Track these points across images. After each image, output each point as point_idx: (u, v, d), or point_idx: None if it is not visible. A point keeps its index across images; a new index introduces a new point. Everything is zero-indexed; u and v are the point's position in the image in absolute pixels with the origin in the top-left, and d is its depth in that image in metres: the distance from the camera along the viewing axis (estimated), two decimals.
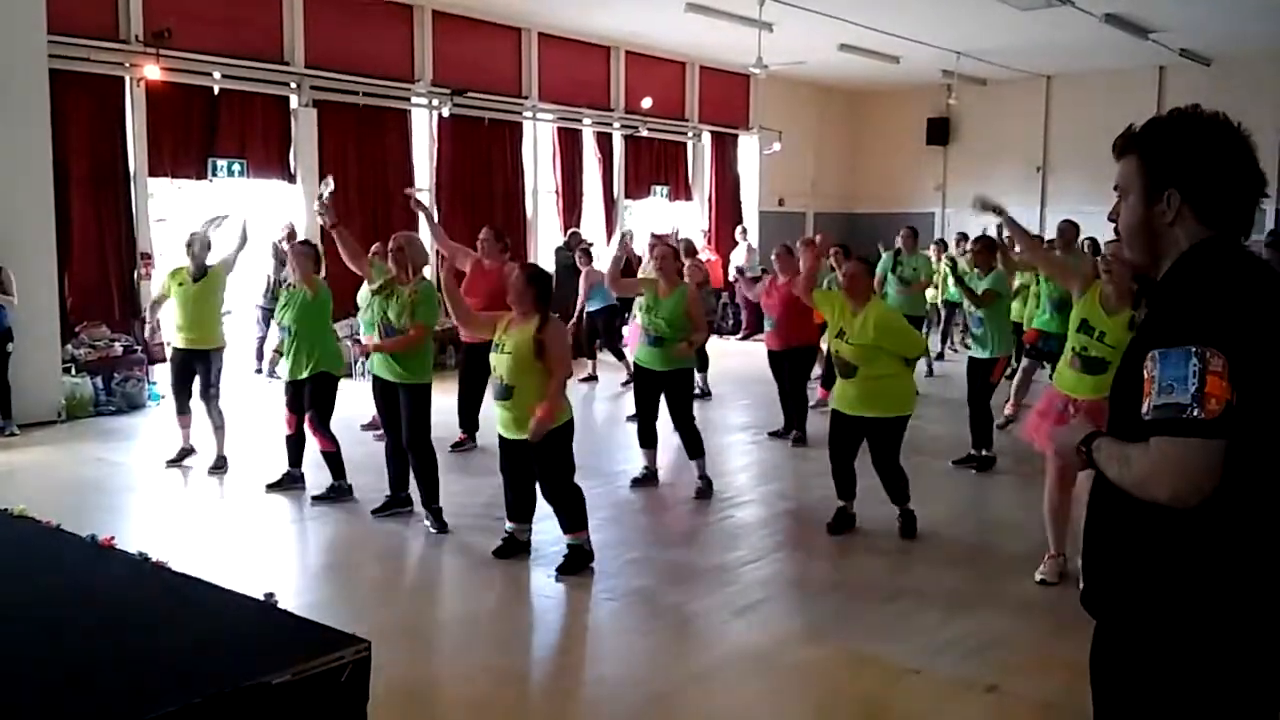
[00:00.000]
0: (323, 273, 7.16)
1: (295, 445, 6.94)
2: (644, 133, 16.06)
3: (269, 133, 11.56)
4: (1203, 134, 1.92)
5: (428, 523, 6.10)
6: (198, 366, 7.42)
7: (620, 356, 10.92)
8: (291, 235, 11.62)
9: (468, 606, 5.20)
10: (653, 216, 16.21)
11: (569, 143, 15.04)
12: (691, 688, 4.17)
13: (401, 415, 6.14)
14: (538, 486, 5.43)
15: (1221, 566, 1.82)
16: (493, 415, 5.53)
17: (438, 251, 8.16)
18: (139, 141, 10.47)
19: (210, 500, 6.95)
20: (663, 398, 7.01)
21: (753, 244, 16.72)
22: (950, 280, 13.13)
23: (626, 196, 16.04)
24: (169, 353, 8.23)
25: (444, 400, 8.15)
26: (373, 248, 8.61)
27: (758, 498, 7.18)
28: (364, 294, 7.97)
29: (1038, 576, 5.26)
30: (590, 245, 12.75)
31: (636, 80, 15.77)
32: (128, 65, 10.30)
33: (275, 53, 11.52)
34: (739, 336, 15.77)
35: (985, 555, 5.79)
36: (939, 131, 19.46)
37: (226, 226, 7.77)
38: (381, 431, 6.69)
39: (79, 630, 2.44)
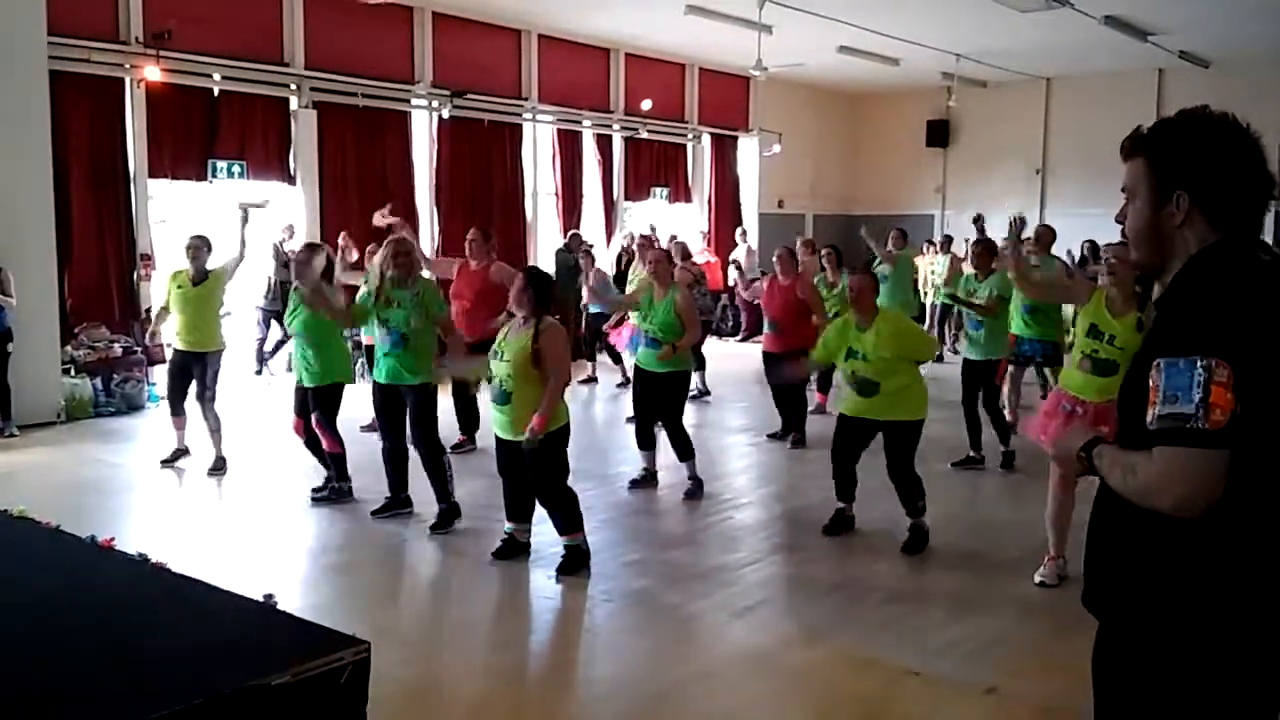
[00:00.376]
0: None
1: (318, 448, 6.82)
2: (644, 134, 16.07)
3: (269, 134, 11.57)
4: (1212, 135, 1.90)
5: (430, 522, 6.10)
6: (195, 369, 7.42)
7: (617, 359, 10.92)
8: (292, 236, 11.66)
9: (467, 607, 5.20)
10: (643, 219, 16.18)
11: (569, 144, 15.05)
12: (691, 689, 4.17)
13: (409, 415, 6.14)
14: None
15: (1224, 569, 1.81)
16: (490, 416, 5.54)
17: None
18: (139, 142, 10.48)
19: (209, 501, 6.95)
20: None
21: (752, 246, 16.73)
22: (938, 291, 13.18)
23: (626, 198, 16.06)
24: (169, 354, 8.22)
25: (444, 401, 8.16)
26: (368, 248, 8.64)
27: (757, 499, 7.18)
28: (363, 295, 7.97)
29: (1037, 579, 5.26)
30: (591, 246, 12.76)
31: (636, 82, 15.78)
32: (128, 66, 10.31)
33: (275, 54, 11.52)
34: (739, 338, 15.77)
35: (985, 557, 5.78)
36: (939, 133, 19.46)
37: (259, 214, 7.75)
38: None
39: (78, 631, 2.44)
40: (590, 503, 6.66)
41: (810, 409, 9.22)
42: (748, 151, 18.05)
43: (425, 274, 6.82)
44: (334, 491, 6.72)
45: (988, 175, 18.91)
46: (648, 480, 7.16)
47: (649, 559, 5.77)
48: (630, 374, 9.15)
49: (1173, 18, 13.47)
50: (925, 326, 13.69)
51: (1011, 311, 7.83)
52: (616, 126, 15.74)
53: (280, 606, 2.66)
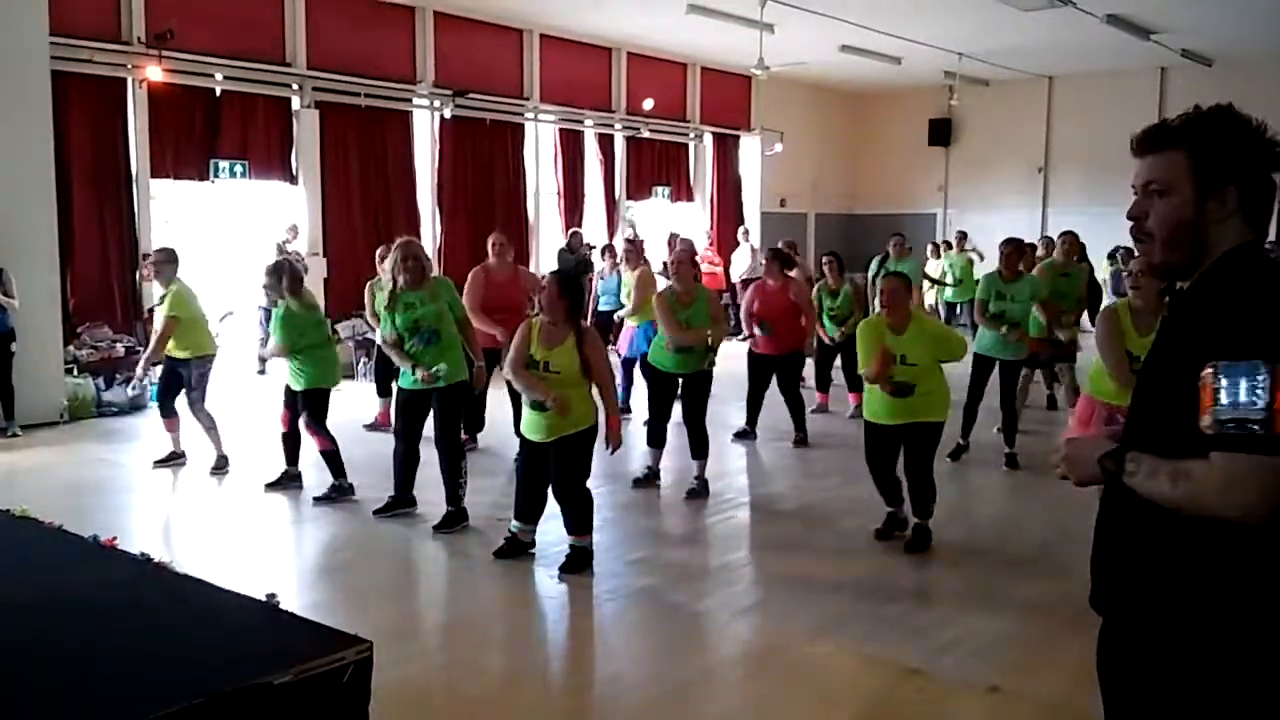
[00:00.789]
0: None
1: (291, 443, 6.96)
2: (645, 134, 16.07)
3: (271, 134, 11.58)
4: (1253, 131, 1.87)
5: (434, 521, 6.10)
6: (181, 373, 7.43)
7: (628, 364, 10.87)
8: (295, 237, 11.67)
9: (470, 607, 5.20)
10: (637, 222, 16.19)
11: (571, 144, 15.05)
12: (694, 687, 4.16)
13: (435, 416, 6.14)
14: (550, 487, 5.45)
15: (1241, 569, 1.79)
16: (503, 418, 5.55)
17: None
18: (141, 142, 10.49)
19: (212, 501, 6.95)
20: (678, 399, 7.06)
21: (755, 245, 16.72)
22: (941, 291, 13.18)
23: (628, 198, 16.06)
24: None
25: None
26: (378, 251, 8.55)
27: (760, 498, 7.18)
28: (381, 301, 7.94)
29: None
30: (593, 247, 12.73)
31: (638, 81, 15.78)
32: (130, 66, 10.31)
33: (277, 54, 11.53)
34: (741, 338, 15.73)
35: (987, 555, 5.78)
36: (941, 132, 19.46)
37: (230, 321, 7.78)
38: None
39: (81, 631, 2.44)
40: (595, 501, 6.67)
41: (811, 409, 9.20)
42: (749, 150, 18.05)
43: (437, 273, 6.76)
44: (335, 490, 6.75)
45: (990, 174, 18.91)
46: (651, 479, 7.17)
47: (652, 557, 5.77)
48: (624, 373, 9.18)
49: (1175, 17, 13.46)
50: None
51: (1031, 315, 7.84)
52: (618, 126, 15.74)
53: (282, 606, 2.67)
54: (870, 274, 10.24)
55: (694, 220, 17.23)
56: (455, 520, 6.10)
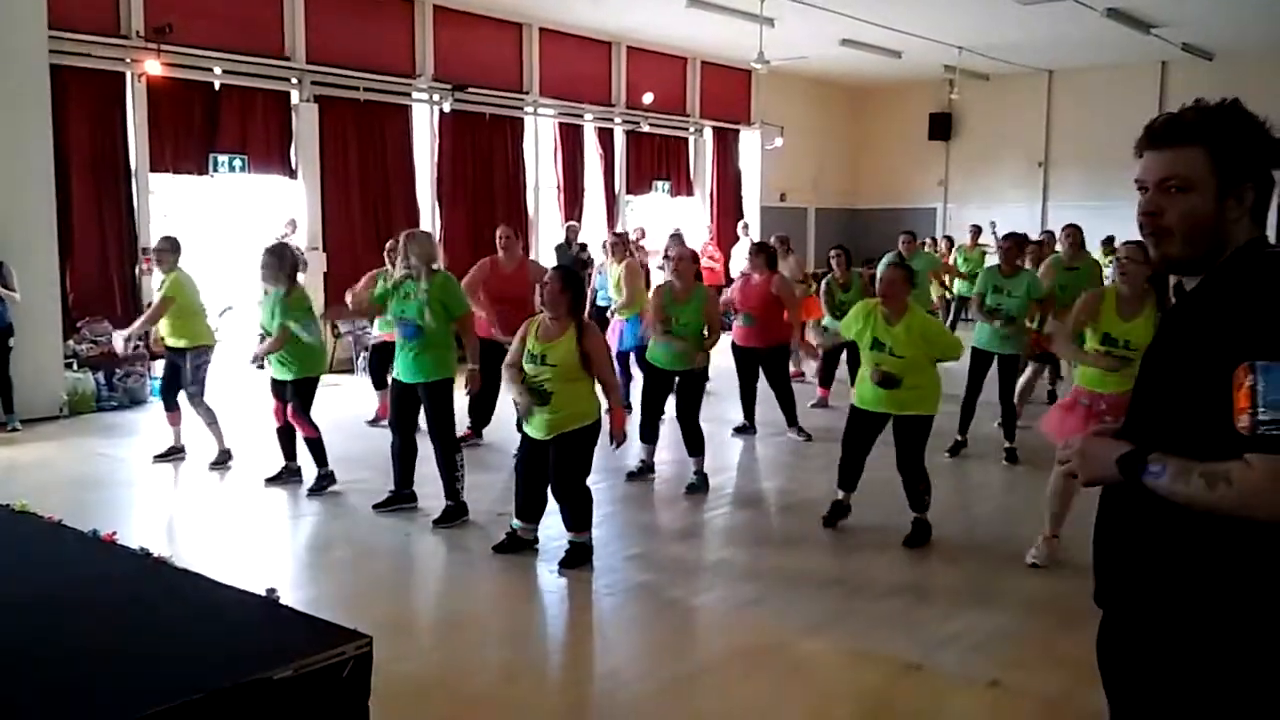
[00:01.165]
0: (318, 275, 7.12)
1: (287, 438, 6.97)
2: (645, 128, 16.05)
3: (270, 128, 11.56)
4: (1262, 129, 1.86)
5: (434, 516, 6.10)
6: (180, 364, 7.43)
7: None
8: (294, 230, 11.66)
9: (469, 602, 5.20)
10: (645, 217, 16.20)
11: (570, 138, 15.04)
12: (693, 682, 4.17)
13: (425, 413, 6.13)
14: (549, 485, 5.44)
15: (1249, 564, 1.78)
16: (508, 415, 5.56)
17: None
18: (140, 137, 10.48)
19: (212, 495, 6.95)
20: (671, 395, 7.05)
21: (755, 239, 16.70)
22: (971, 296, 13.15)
23: (628, 192, 16.05)
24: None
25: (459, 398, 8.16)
26: (387, 245, 8.52)
27: (758, 493, 7.19)
28: (378, 293, 7.94)
29: (1029, 559, 5.36)
30: (584, 245, 12.72)
31: (638, 75, 15.76)
32: (129, 60, 10.30)
33: (276, 48, 11.51)
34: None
35: (987, 550, 5.78)
36: (941, 127, 19.44)
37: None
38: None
39: (80, 626, 2.44)
40: (593, 496, 6.67)
41: (812, 403, 9.20)
42: (750, 145, 18.03)
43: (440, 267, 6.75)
44: (321, 479, 6.80)
45: (990, 168, 18.90)
46: (644, 473, 7.17)
47: (650, 553, 5.77)
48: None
49: (1175, 11, 13.44)
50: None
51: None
52: (618, 120, 15.72)
53: (282, 601, 2.67)
54: (879, 272, 10.21)
55: (694, 215, 17.21)
56: (454, 515, 6.10)
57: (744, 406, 8.59)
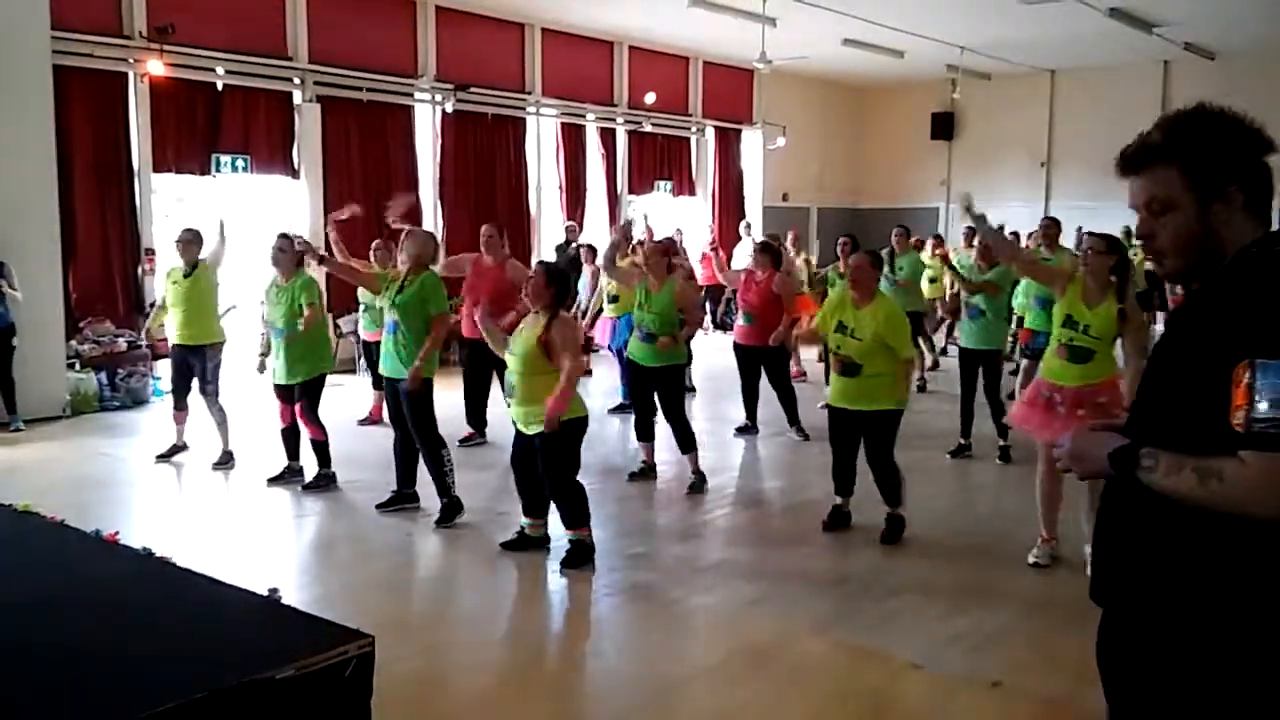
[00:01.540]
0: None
1: (291, 438, 6.98)
2: (647, 128, 16.05)
3: (272, 128, 11.57)
4: (1236, 125, 1.86)
5: (435, 516, 6.10)
6: (194, 362, 7.42)
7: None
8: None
9: (471, 601, 5.20)
10: (652, 211, 16.16)
11: (572, 138, 15.04)
12: (694, 683, 4.17)
13: (405, 410, 6.15)
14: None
15: (1238, 560, 1.78)
16: (505, 410, 5.57)
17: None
18: (142, 137, 10.49)
19: (214, 495, 6.96)
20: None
21: (757, 238, 16.69)
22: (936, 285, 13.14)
23: (630, 192, 16.04)
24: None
25: (454, 396, 8.17)
26: (374, 244, 8.67)
27: (760, 493, 7.18)
28: (365, 292, 7.98)
29: (1030, 559, 5.40)
30: (586, 245, 12.70)
31: (640, 75, 15.76)
32: (131, 61, 10.31)
33: (279, 48, 11.52)
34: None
35: (988, 550, 5.78)
36: (943, 126, 19.43)
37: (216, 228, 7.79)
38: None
39: (82, 626, 2.44)
40: (593, 496, 6.64)
41: (820, 405, 9.16)
42: (752, 144, 18.03)
43: (436, 268, 6.80)
44: (321, 478, 6.83)
45: (992, 168, 18.88)
46: (647, 473, 7.17)
47: (652, 553, 5.78)
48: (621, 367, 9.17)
49: (1178, 10, 13.43)
50: (937, 320, 13.68)
51: (1025, 304, 7.85)
52: (620, 120, 15.72)
53: (284, 600, 2.67)
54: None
55: (696, 215, 17.21)
56: (451, 512, 6.10)
57: (746, 406, 8.59)
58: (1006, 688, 4.05)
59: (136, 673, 2.20)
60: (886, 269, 10.22)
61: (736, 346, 8.44)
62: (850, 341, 5.67)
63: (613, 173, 15.71)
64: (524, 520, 5.61)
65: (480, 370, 8.05)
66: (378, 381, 8.64)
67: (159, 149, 10.62)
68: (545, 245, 14.42)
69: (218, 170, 11.06)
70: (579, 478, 5.43)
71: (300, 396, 6.75)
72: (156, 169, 10.68)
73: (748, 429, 8.62)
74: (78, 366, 9.60)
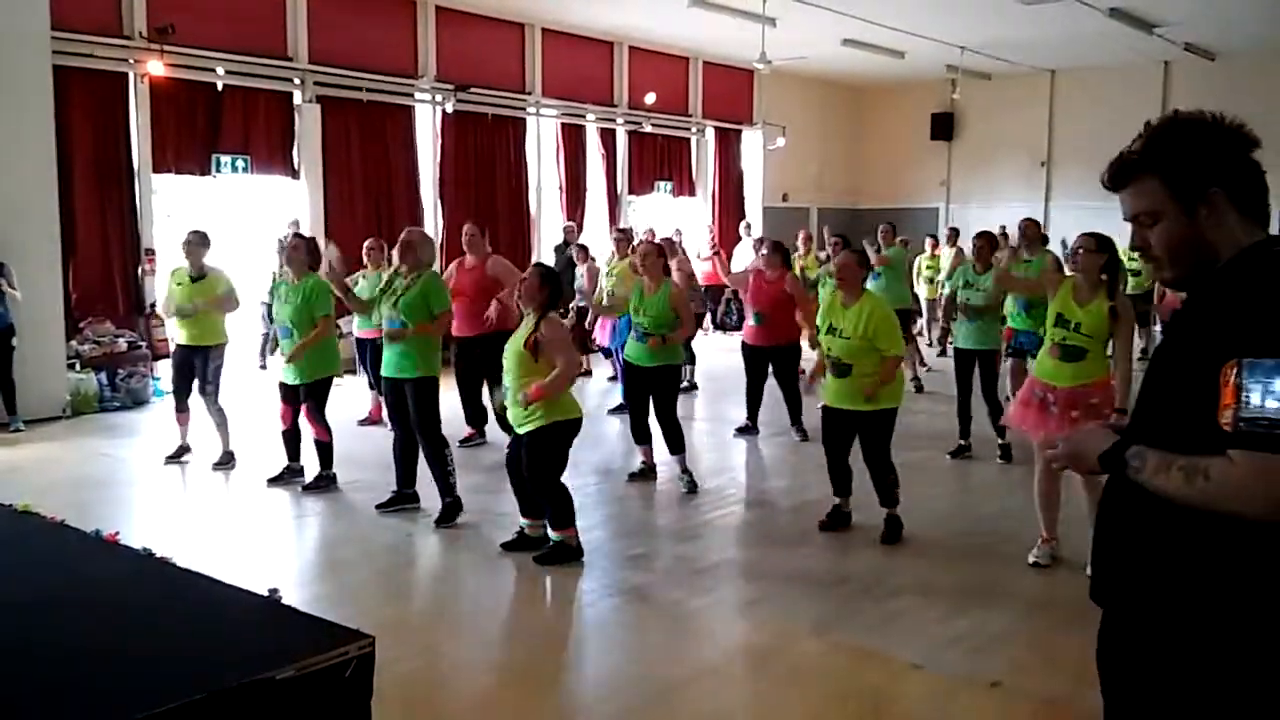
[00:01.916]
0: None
1: (293, 439, 6.98)
2: (648, 128, 16.05)
3: (272, 129, 11.57)
4: (1214, 128, 1.87)
5: (435, 516, 6.11)
6: (196, 363, 7.42)
7: (609, 354, 10.89)
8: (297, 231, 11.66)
9: (471, 602, 5.20)
10: (653, 213, 16.20)
11: (572, 139, 15.04)
12: (694, 684, 4.17)
13: (410, 409, 6.15)
14: None
15: (1246, 562, 1.78)
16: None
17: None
18: (142, 137, 10.49)
19: (214, 496, 6.96)
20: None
21: (757, 239, 16.68)
22: (934, 285, 13.19)
23: (630, 192, 16.04)
24: (172, 348, 8.23)
25: (452, 396, 8.17)
26: (366, 243, 8.74)
27: (759, 494, 7.18)
28: (361, 290, 8.00)
29: (1031, 559, 5.41)
30: (579, 245, 12.72)
31: (640, 76, 15.76)
32: (131, 61, 10.31)
33: (279, 48, 11.52)
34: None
35: (988, 550, 5.78)
36: (943, 126, 19.42)
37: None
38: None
39: (82, 626, 2.44)
40: (592, 496, 6.66)
41: (819, 405, 9.14)
42: (752, 145, 18.03)
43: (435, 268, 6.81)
44: (322, 479, 6.83)
45: (992, 168, 18.89)
46: (646, 474, 7.17)
47: (651, 554, 5.78)
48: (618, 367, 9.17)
49: (1178, 10, 13.42)
50: (925, 319, 13.71)
51: (1010, 305, 7.87)
52: (620, 120, 15.72)
53: (285, 601, 2.67)
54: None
55: (696, 215, 17.21)
56: (452, 512, 6.11)
57: (749, 406, 8.58)
58: (1006, 688, 4.05)
59: (136, 673, 2.20)
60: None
61: (745, 346, 8.45)
62: (838, 341, 5.68)
63: (613, 173, 15.71)
64: (523, 521, 5.62)
65: (470, 368, 8.08)
66: (375, 382, 8.65)
67: (159, 149, 10.62)
68: (545, 246, 14.42)
69: (218, 170, 11.07)
70: (573, 480, 5.44)
71: (307, 397, 6.74)
72: (156, 169, 10.67)
73: (748, 429, 8.62)
74: (78, 367, 9.60)
